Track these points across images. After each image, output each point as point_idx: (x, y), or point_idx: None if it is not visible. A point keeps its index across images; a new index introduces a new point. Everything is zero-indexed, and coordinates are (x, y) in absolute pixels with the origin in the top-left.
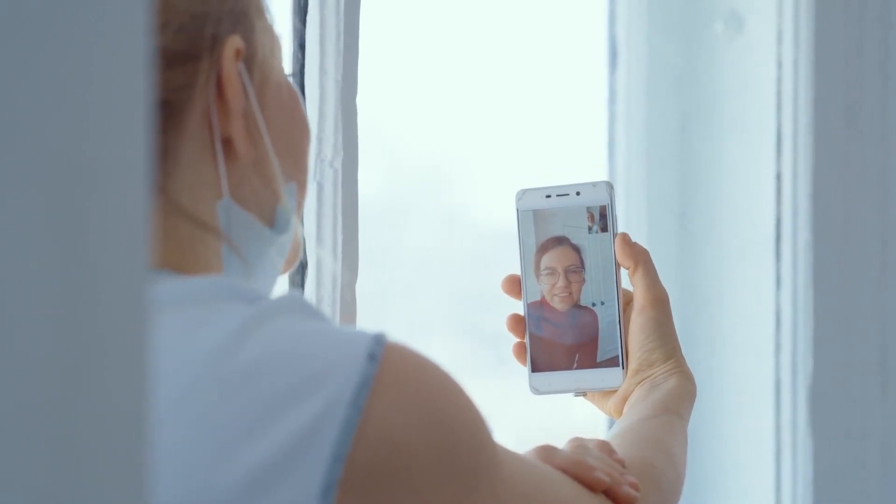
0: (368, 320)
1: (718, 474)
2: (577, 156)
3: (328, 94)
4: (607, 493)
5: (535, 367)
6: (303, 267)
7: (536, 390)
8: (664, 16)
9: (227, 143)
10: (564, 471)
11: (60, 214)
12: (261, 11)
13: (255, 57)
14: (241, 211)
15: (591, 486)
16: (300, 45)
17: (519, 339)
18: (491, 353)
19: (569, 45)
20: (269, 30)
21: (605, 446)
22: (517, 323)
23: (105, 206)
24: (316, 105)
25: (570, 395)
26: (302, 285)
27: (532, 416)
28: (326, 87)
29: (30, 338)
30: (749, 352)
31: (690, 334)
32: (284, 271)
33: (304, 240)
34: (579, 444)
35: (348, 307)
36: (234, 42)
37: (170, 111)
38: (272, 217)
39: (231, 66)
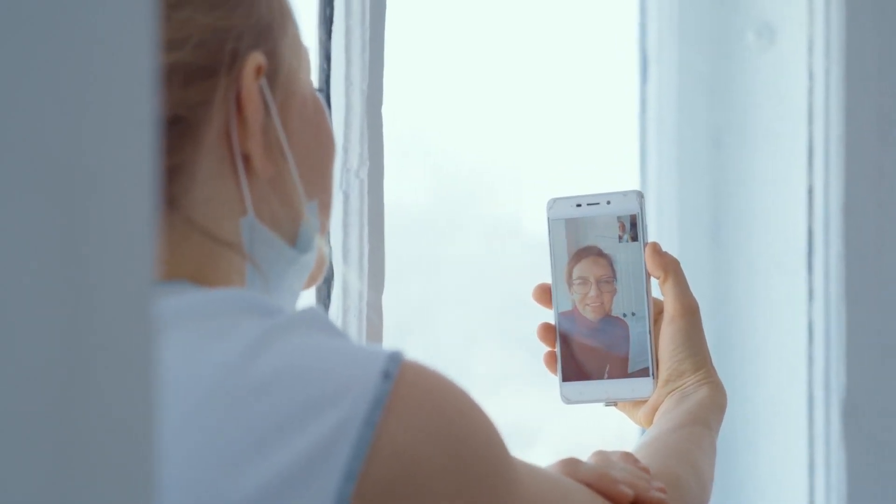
0: (414, 330)
1: (752, 487)
2: (608, 167)
3: (354, 104)
4: (635, 502)
5: (566, 377)
6: (328, 277)
7: (567, 399)
8: (695, 27)
9: (247, 159)
10: (589, 485)
11: (65, 223)
12: (287, 26)
13: (279, 72)
14: (264, 229)
15: (615, 499)
16: (326, 57)
17: (550, 349)
18: (538, 362)
19: (600, 57)
20: (295, 44)
21: (629, 457)
22: (548, 332)
23: (110, 217)
24: (342, 115)
25: (601, 404)
26: (328, 295)
27: (583, 424)
28: (352, 97)
29: (34, 348)
30: (782, 365)
31: (723, 347)
32: (308, 287)
33: (329, 255)
34: (603, 456)
35: (374, 317)
36: (255, 58)
37: (186, 127)
38: (294, 236)
39: (251, 83)
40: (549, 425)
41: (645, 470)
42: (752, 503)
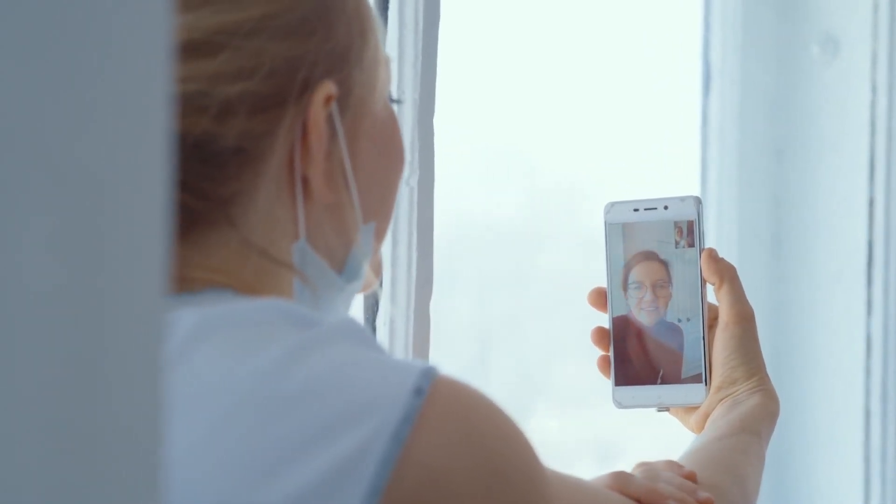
0: (499, 343)
1: (807, 499)
2: (669, 178)
3: (406, 114)
4: None
5: (619, 381)
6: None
7: (619, 404)
8: (758, 39)
9: (307, 184)
10: (639, 500)
11: (75, 230)
12: (367, 44)
13: (351, 96)
14: (315, 255)
15: None
16: None
17: (603, 353)
18: None
19: (663, 69)
20: (373, 61)
21: (673, 465)
22: (602, 336)
23: (122, 225)
24: None
25: (653, 409)
26: (376, 303)
27: (666, 438)
28: (404, 107)
29: (41, 353)
30: (839, 377)
31: (780, 358)
32: (366, 291)
33: (381, 263)
34: (648, 468)
35: (422, 325)
36: (325, 88)
37: (248, 157)
38: (343, 263)
39: (318, 113)
40: (634, 440)
41: (690, 476)
42: None
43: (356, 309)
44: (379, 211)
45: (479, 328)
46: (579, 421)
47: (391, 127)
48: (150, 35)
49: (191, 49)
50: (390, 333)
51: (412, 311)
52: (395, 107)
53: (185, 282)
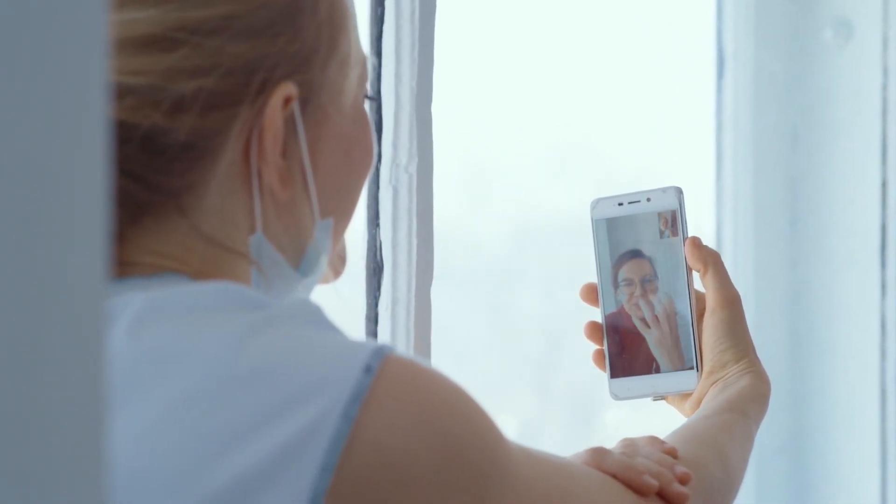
0: (567, 337)
1: (824, 480)
2: (684, 163)
3: (403, 100)
4: (659, 493)
5: (615, 374)
6: (379, 270)
7: (616, 396)
8: (771, 24)
9: (262, 179)
10: (614, 475)
11: (14, 220)
12: (338, 44)
13: (313, 99)
14: (271, 248)
15: (640, 490)
16: (377, 54)
17: (598, 347)
18: None
19: (676, 54)
20: (341, 67)
21: (654, 441)
22: (595, 330)
23: (60, 213)
24: (391, 111)
25: (649, 399)
26: (378, 287)
27: None
28: (401, 94)
29: None
30: (854, 359)
31: (796, 340)
32: (326, 283)
33: (380, 247)
34: (629, 443)
35: (423, 310)
36: (283, 90)
37: (199, 153)
38: (300, 257)
39: (275, 114)
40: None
41: (670, 452)
42: (824, 496)
43: (359, 293)
44: (337, 208)
45: (546, 323)
46: (652, 414)
47: (360, 128)
48: (85, 29)
49: (149, 43)
50: (392, 319)
51: (413, 297)
52: (398, 96)
53: (136, 266)
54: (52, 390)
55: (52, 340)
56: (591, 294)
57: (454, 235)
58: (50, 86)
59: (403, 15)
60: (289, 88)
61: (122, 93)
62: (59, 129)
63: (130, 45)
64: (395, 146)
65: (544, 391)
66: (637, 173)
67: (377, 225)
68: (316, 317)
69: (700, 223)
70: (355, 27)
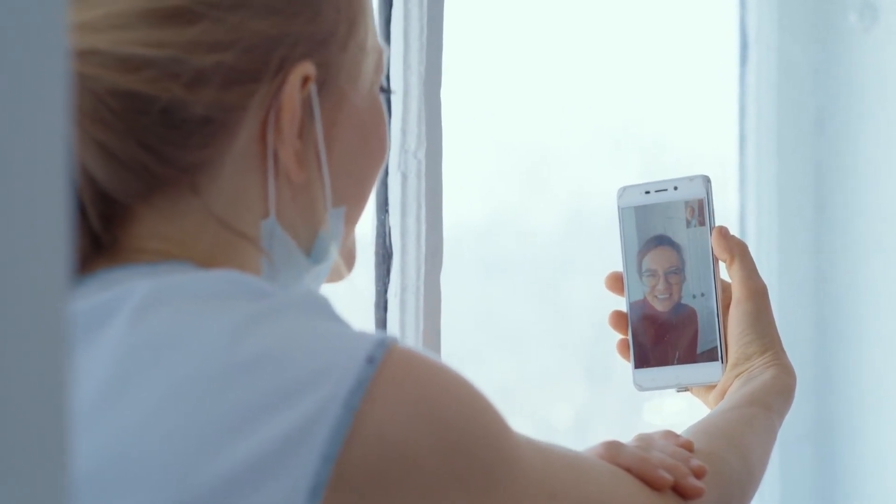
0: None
1: (854, 467)
2: (708, 150)
3: (412, 86)
4: (674, 487)
5: (639, 364)
6: (388, 257)
7: (640, 386)
8: (795, 8)
9: (278, 160)
10: (629, 469)
11: None
12: (356, 30)
13: (331, 81)
14: (284, 234)
15: (654, 485)
16: (386, 39)
17: (622, 336)
18: None
19: (700, 40)
20: (358, 53)
21: (670, 435)
22: (620, 320)
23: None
24: (400, 97)
25: (673, 390)
26: (387, 273)
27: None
28: (410, 79)
29: None
30: (882, 346)
31: (823, 326)
32: (333, 281)
33: (389, 234)
34: (644, 437)
35: (432, 296)
36: (302, 69)
37: (216, 128)
38: (311, 244)
39: (293, 93)
40: None
41: (686, 445)
42: (849, 483)
43: (368, 281)
44: (351, 196)
45: (594, 316)
46: (686, 408)
47: (375, 117)
48: (46, 22)
49: (170, 16)
50: (401, 305)
51: (422, 283)
52: (407, 81)
53: (142, 253)
54: (12, 391)
55: (11, 340)
56: (616, 283)
57: (509, 223)
58: (7, 81)
59: (411, 1)
60: (307, 68)
61: (142, 65)
62: (17, 127)
63: (152, 16)
64: (403, 132)
65: (597, 380)
66: (662, 158)
67: (386, 211)
68: (321, 307)
69: (724, 210)
70: (372, 17)
